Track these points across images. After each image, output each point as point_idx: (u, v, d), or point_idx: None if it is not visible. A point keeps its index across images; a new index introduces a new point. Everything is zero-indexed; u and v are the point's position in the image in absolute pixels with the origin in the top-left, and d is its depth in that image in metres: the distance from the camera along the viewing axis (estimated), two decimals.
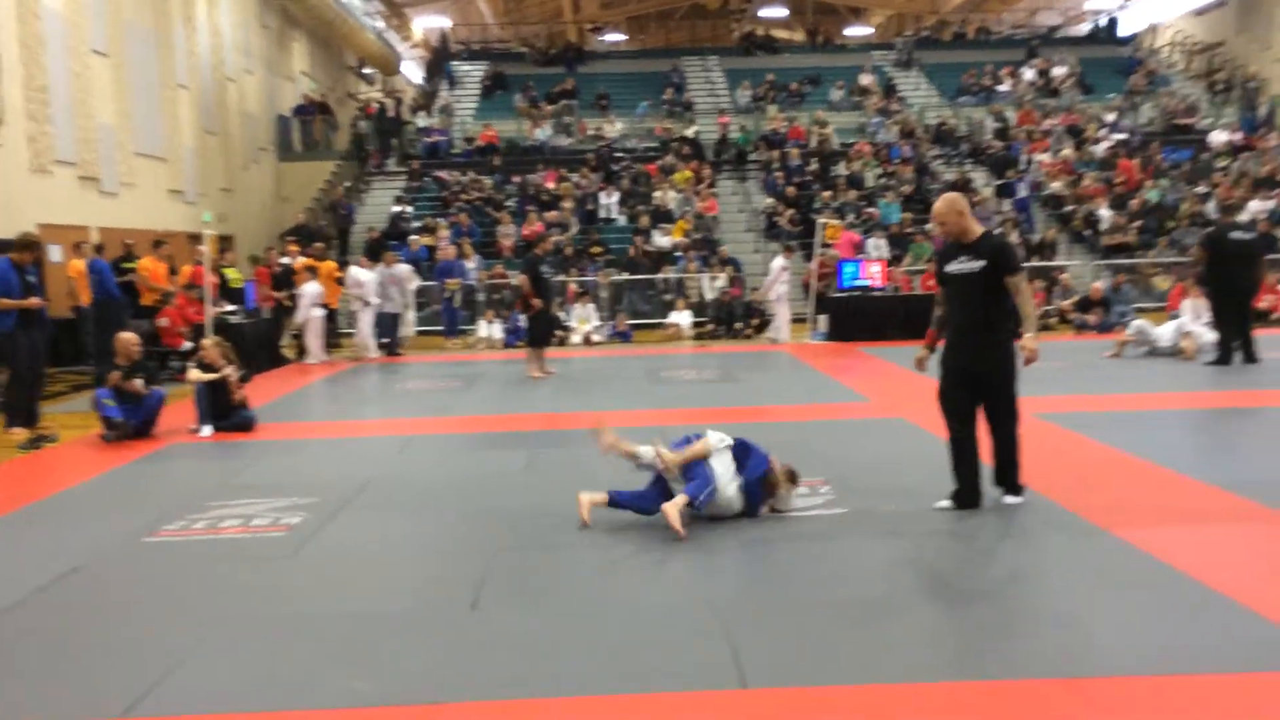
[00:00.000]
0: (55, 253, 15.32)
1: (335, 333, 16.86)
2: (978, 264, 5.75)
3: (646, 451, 5.81)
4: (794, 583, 4.81)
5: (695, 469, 5.70)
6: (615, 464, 6.57)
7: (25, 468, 8.20)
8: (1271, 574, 4.81)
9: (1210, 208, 20.99)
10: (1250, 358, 11.82)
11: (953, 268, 5.88)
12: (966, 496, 5.90)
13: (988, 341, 5.82)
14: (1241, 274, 11.86)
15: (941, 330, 6.14)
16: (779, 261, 16.43)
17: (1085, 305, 16.77)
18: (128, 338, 9.27)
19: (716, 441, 5.82)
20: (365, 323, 15.52)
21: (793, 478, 6.04)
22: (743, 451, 5.92)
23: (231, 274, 16.13)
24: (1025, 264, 18.57)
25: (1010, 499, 5.97)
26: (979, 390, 5.91)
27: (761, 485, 5.84)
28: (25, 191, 15.08)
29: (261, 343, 14.34)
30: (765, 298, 16.81)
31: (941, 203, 5.95)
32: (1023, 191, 22.44)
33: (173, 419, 9.43)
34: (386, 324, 15.73)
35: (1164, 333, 13.06)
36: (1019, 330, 5.82)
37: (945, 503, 5.93)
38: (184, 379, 10.25)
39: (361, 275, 15.46)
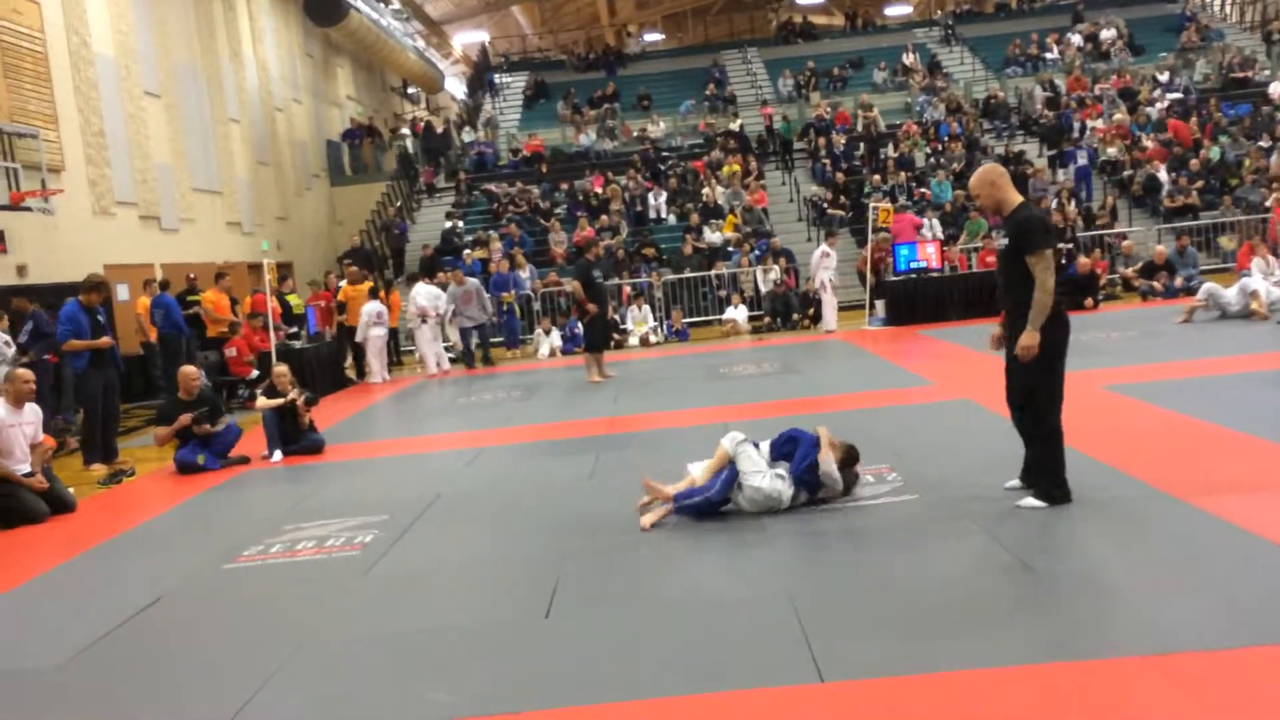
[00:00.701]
0: (122, 291, 15.74)
1: (397, 351, 17.10)
2: (1005, 241, 5.49)
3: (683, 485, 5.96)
4: (868, 573, 4.76)
5: (717, 477, 5.81)
6: (678, 463, 6.58)
7: (105, 502, 8.42)
8: None
9: (1275, 161, 20.39)
10: None
11: (998, 243, 5.72)
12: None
13: (1016, 319, 5.41)
14: None
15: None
16: (821, 249, 16.32)
17: (1150, 271, 16.39)
18: (189, 372, 9.43)
19: (730, 445, 5.84)
20: (424, 340, 15.67)
21: (851, 457, 5.96)
22: (788, 444, 5.89)
23: (293, 300, 16.44)
24: (1084, 233, 18.28)
25: (1028, 501, 5.46)
26: (1011, 371, 5.57)
27: (812, 473, 5.79)
28: (89, 234, 15.51)
29: (325, 366, 14.58)
30: (813, 287, 16.71)
31: (974, 175, 5.70)
32: (1081, 159, 22.00)
33: (244, 446, 9.62)
34: (471, 338, 15.94)
35: (1232, 295, 12.72)
36: (1063, 311, 5.39)
37: (1014, 481, 5.79)
38: (252, 406, 10.47)
39: (420, 293, 15.61)
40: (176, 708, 3.99)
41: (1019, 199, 5.57)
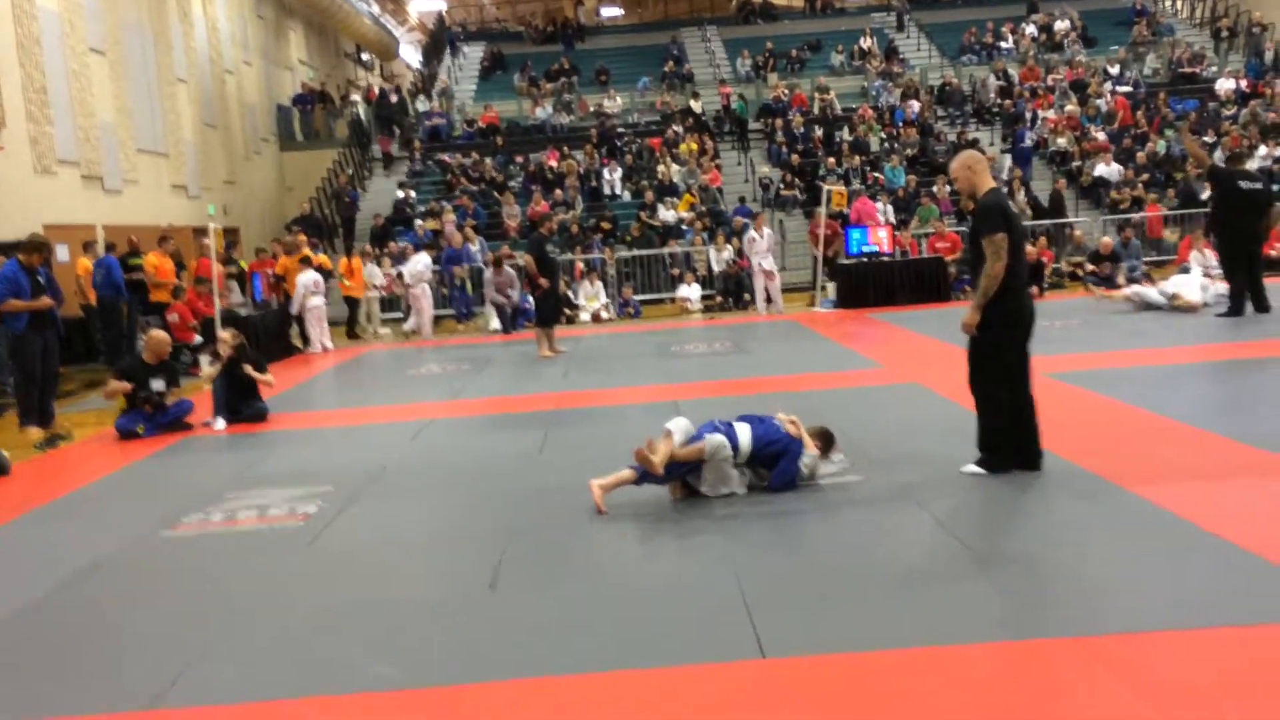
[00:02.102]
0: (62, 252, 15.37)
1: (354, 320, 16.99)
2: (970, 226, 5.74)
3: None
4: (813, 552, 4.81)
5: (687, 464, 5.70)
6: (628, 439, 6.58)
7: (42, 467, 8.24)
8: None
9: (1219, 157, 20.79)
10: (1261, 307, 11.73)
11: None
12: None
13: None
14: (1250, 223, 11.76)
15: None
16: (749, 234, 16.41)
17: (1095, 261, 16.67)
18: (160, 336, 9.35)
19: (710, 451, 5.63)
20: (426, 306, 16.03)
21: (829, 444, 6.01)
22: (770, 447, 5.74)
23: (242, 264, 16.19)
24: (1036, 222, 18.51)
25: (969, 467, 5.80)
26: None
27: (790, 460, 5.75)
28: (30, 193, 15.11)
29: (271, 334, 14.37)
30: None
31: (955, 159, 5.97)
32: (1027, 141, 22.26)
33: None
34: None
35: (1155, 295, 12.95)
36: (1023, 294, 5.70)
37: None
38: (196, 373, 10.30)
39: (421, 262, 16.01)
40: (111, 676, 3.92)
41: (991, 185, 5.80)
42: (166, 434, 8.94)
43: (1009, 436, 5.78)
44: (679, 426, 5.75)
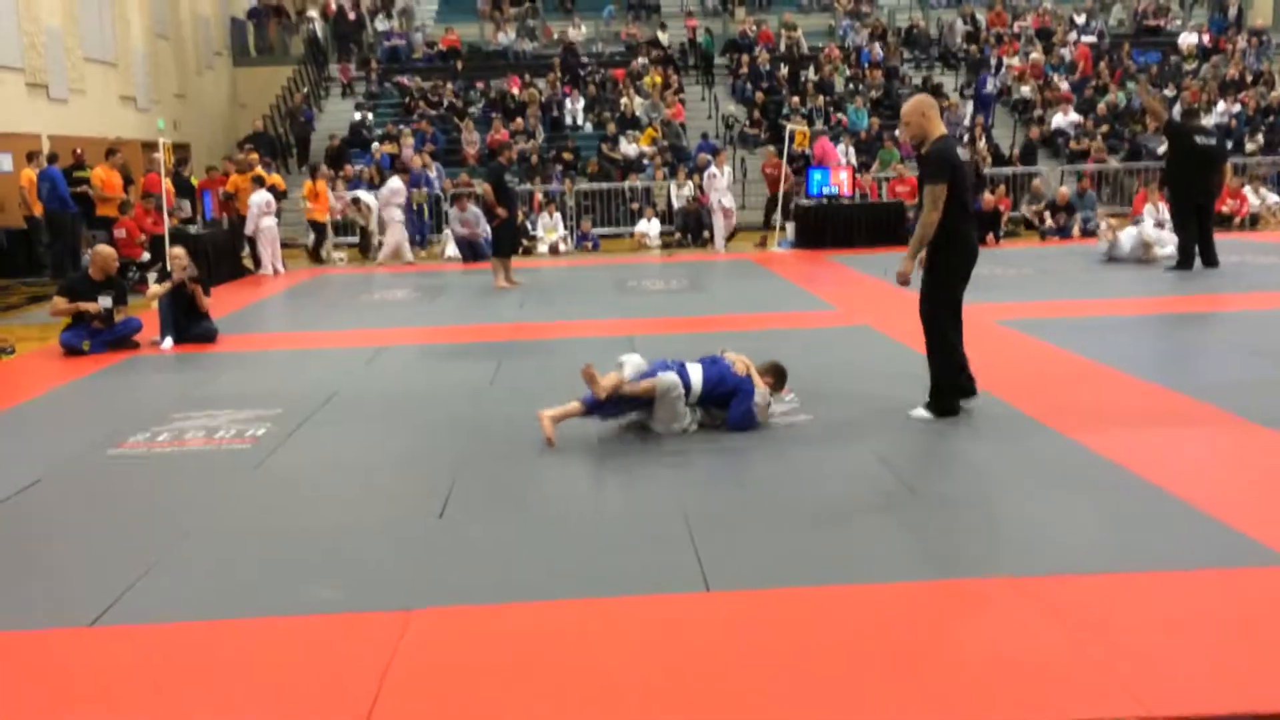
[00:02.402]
0: (5, 161, 14.94)
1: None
2: (919, 171, 5.75)
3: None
4: (760, 489, 4.87)
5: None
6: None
7: None
8: (1221, 475, 4.93)
9: (1176, 111, 20.97)
10: (1210, 262, 11.93)
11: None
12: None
13: (931, 251, 5.76)
14: (1203, 178, 11.90)
15: None
16: (710, 170, 16.33)
17: (1051, 210, 16.81)
18: (108, 252, 9.15)
19: (662, 390, 5.62)
20: (399, 230, 15.78)
21: (781, 380, 6.03)
22: (720, 385, 5.74)
23: (193, 180, 15.84)
24: (995, 170, 18.60)
25: (918, 412, 5.89)
26: None
27: (747, 417, 5.75)
28: None
29: (221, 254, 14.12)
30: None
31: (908, 103, 5.91)
32: (990, 88, 22.25)
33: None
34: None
35: (1126, 243, 13.12)
36: (969, 239, 5.79)
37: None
38: (143, 290, 10.13)
39: (396, 183, 15.91)
40: (52, 593, 3.91)
41: (942, 131, 5.77)
42: (112, 351, 8.80)
43: (956, 378, 5.88)
44: (631, 362, 5.78)
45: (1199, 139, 12.11)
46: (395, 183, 16.03)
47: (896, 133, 20.08)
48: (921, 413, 5.90)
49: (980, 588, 3.69)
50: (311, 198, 15.92)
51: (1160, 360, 7.73)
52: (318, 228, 16.16)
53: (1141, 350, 7.99)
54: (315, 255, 16.20)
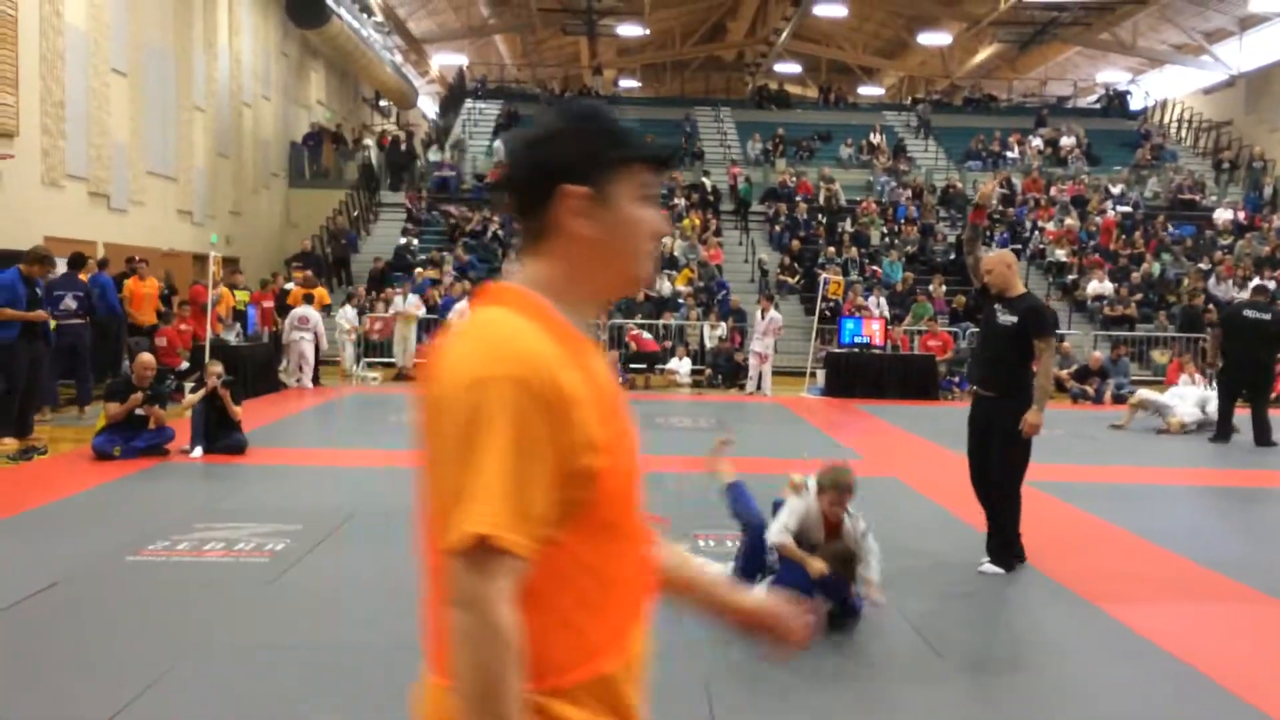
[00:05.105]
0: (62, 267, 15.37)
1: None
2: (1011, 319, 5.87)
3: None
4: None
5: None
6: None
7: (12, 478, 8.17)
8: (1250, 655, 4.79)
9: (1212, 284, 21.11)
10: (1263, 440, 11.45)
11: (988, 315, 6.04)
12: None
13: (1005, 398, 5.89)
14: (1254, 353, 11.54)
15: (968, 371, 6.35)
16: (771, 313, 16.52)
17: (1083, 375, 16.80)
18: (146, 360, 9.30)
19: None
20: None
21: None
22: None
23: (240, 294, 16.20)
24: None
25: (988, 567, 5.90)
26: (989, 440, 5.99)
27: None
28: (35, 204, 15.17)
29: (259, 366, 14.35)
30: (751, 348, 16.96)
31: (994, 254, 6.21)
32: (1025, 250, 22.52)
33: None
34: None
35: (1173, 403, 12.91)
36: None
37: (988, 564, 5.98)
38: (179, 399, 10.27)
39: (462, 307, 16.10)
40: (57, 699, 3.86)
41: (1023, 288, 6.08)
42: (142, 458, 8.87)
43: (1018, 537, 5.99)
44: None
45: (1250, 313, 11.71)
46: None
47: (930, 288, 20.32)
48: (992, 568, 5.90)
49: None
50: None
51: (1192, 533, 7.57)
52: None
53: (1168, 520, 7.85)
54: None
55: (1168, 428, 12.57)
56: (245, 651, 4.39)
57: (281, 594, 5.24)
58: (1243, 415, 11.87)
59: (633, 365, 17.45)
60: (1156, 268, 22.26)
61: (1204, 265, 22.14)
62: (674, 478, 8.24)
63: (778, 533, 4.94)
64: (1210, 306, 19.42)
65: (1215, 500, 9.05)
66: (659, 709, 4.00)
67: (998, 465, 5.95)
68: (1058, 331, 19.22)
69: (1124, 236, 23.69)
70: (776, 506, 5.36)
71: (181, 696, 3.89)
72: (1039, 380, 5.86)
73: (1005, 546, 5.94)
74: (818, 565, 4.71)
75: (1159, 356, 19.15)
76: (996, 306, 5.97)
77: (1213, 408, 12.28)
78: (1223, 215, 24.85)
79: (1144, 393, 13.50)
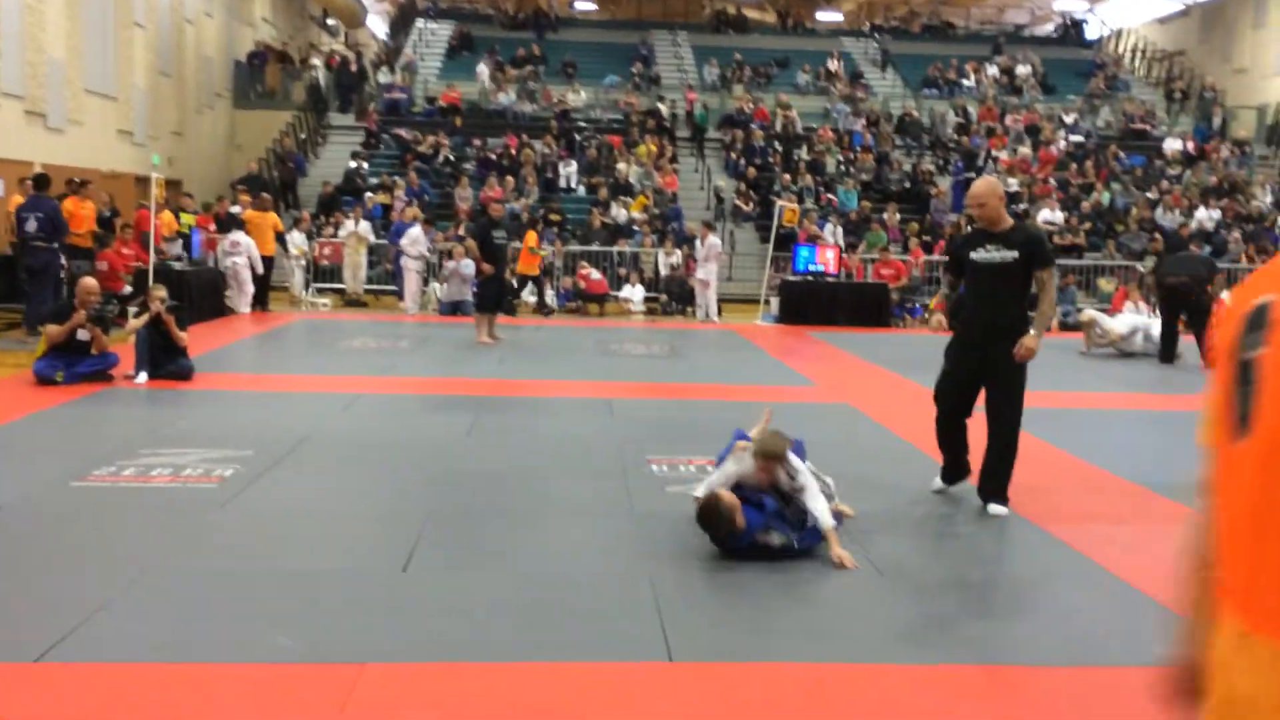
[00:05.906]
0: None
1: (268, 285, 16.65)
2: (1009, 254, 5.58)
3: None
4: (730, 563, 4.80)
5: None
6: (558, 432, 6.56)
7: None
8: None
9: (1159, 213, 21.35)
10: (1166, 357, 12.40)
11: (979, 255, 5.66)
12: (954, 471, 5.96)
13: (1007, 333, 5.59)
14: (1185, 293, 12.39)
15: (955, 310, 6.20)
16: (711, 239, 16.54)
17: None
18: (90, 284, 9.05)
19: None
20: (413, 280, 16.07)
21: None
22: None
23: (185, 218, 15.82)
24: None
25: (996, 508, 5.62)
26: (985, 379, 5.70)
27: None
28: None
29: (205, 291, 14.08)
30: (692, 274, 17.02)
31: (982, 183, 5.79)
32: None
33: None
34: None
35: (1118, 326, 13.43)
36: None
37: (938, 482, 6.00)
38: (122, 324, 10.05)
39: (416, 232, 16.15)
40: (3, 624, 3.81)
41: (1012, 219, 5.80)
42: (85, 383, 8.70)
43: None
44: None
45: (1171, 279, 12.57)
46: (415, 231, 16.16)
47: (885, 216, 20.34)
48: (999, 509, 5.64)
49: (952, 675, 3.64)
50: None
51: (1133, 456, 7.73)
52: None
53: (1120, 446, 8.00)
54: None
55: (1105, 336, 13.30)
56: (194, 577, 4.35)
57: (231, 519, 5.19)
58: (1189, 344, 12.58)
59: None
60: (1106, 197, 22.45)
61: (1152, 195, 22.35)
62: (630, 404, 8.24)
63: (704, 489, 4.96)
64: (1156, 235, 19.68)
65: (1160, 424, 9.23)
66: (611, 622, 4.06)
67: (1002, 404, 5.66)
68: None
69: (1075, 165, 23.81)
70: (720, 460, 5.32)
71: (128, 622, 3.85)
72: (1043, 308, 5.66)
73: (1005, 480, 5.68)
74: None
75: (1105, 285, 19.40)
76: (987, 244, 5.64)
77: (1155, 332, 13.05)
78: (1172, 145, 25.04)
79: (1090, 312, 13.92)
